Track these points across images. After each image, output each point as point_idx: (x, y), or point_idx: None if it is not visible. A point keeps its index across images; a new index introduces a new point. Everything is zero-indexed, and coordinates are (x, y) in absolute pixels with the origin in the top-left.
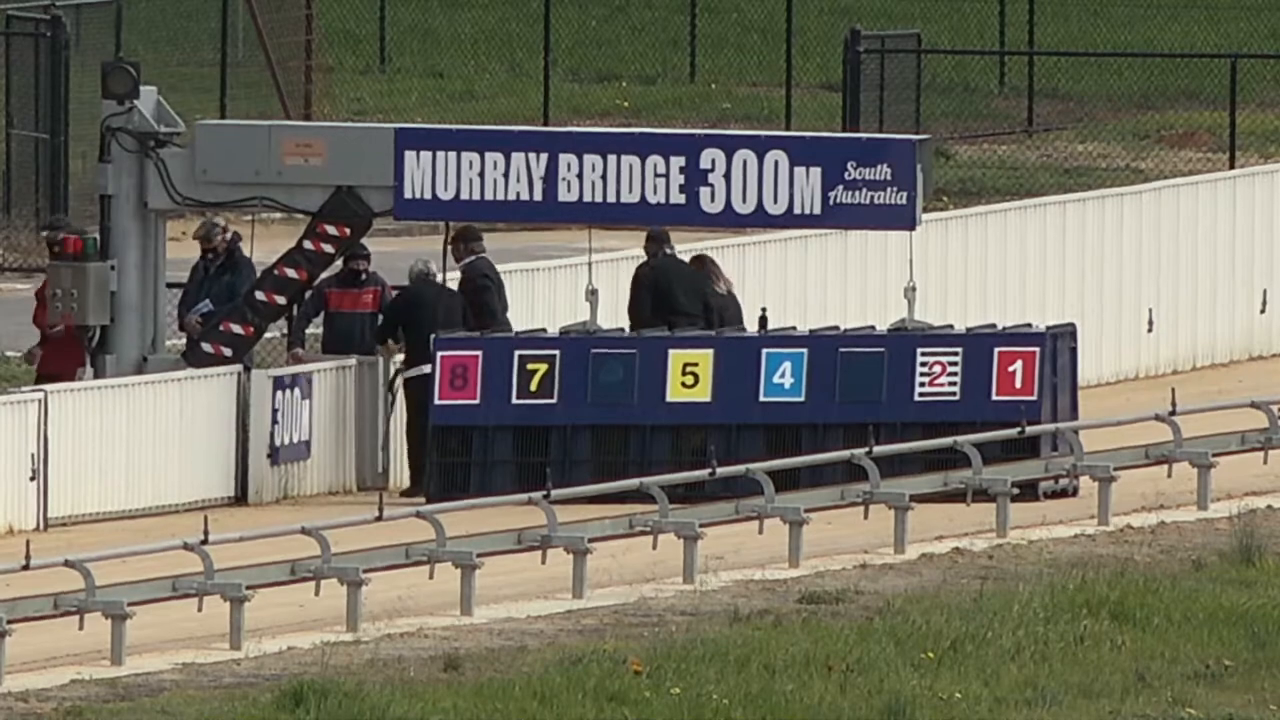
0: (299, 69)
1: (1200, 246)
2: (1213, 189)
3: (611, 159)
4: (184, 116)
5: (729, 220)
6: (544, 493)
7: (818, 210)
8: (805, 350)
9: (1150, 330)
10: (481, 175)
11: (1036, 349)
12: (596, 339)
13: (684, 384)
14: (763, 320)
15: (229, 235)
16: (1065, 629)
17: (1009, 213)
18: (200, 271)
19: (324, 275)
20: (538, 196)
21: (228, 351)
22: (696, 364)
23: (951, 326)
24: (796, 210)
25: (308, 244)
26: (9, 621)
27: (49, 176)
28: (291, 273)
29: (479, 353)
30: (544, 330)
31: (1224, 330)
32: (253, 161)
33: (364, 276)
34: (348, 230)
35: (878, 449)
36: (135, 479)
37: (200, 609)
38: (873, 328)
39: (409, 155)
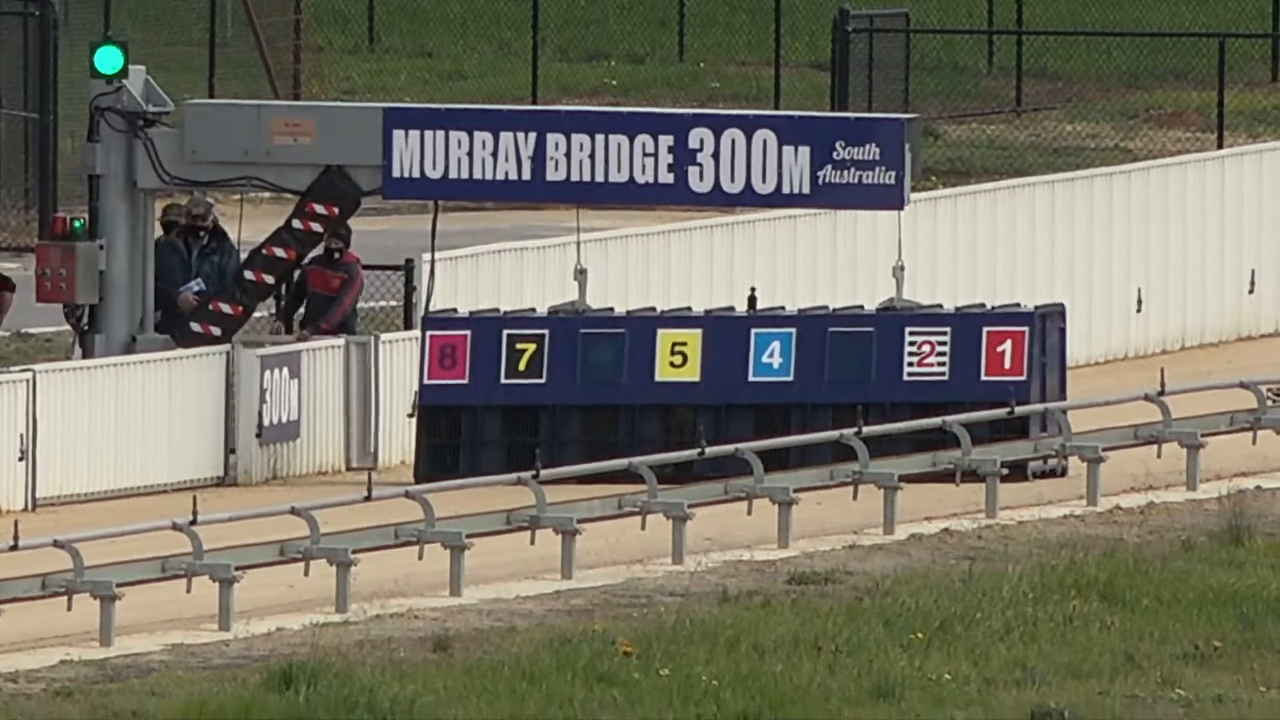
0: (288, 49)
1: (1189, 226)
2: (1201, 169)
3: (600, 138)
4: (173, 96)
5: (717, 200)
6: (533, 473)
7: (806, 190)
8: (794, 330)
9: (1139, 310)
10: (470, 154)
11: (1025, 329)
12: (585, 319)
13: (673, 364)
14: (751, 300)
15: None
16: (1054, 609)
17: (998, 192)
18: (182, 249)
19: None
20: (526, 176)
21: (216, 331)
22: (685, 344)
23: (940, 306)
24: (785, 190)
25: (296, 223)
26: None
27: (38, 156)
28: (280, 252)
29: (467, 332)
30: (533, 310)
31: (1213, 310)
32: (241, 141)
33: (337, 256)
34: (336, 209)
35: (867, 429)
36: (124, 459)
37: (189, 590)
38: (861, 307)
39: (398, 134)
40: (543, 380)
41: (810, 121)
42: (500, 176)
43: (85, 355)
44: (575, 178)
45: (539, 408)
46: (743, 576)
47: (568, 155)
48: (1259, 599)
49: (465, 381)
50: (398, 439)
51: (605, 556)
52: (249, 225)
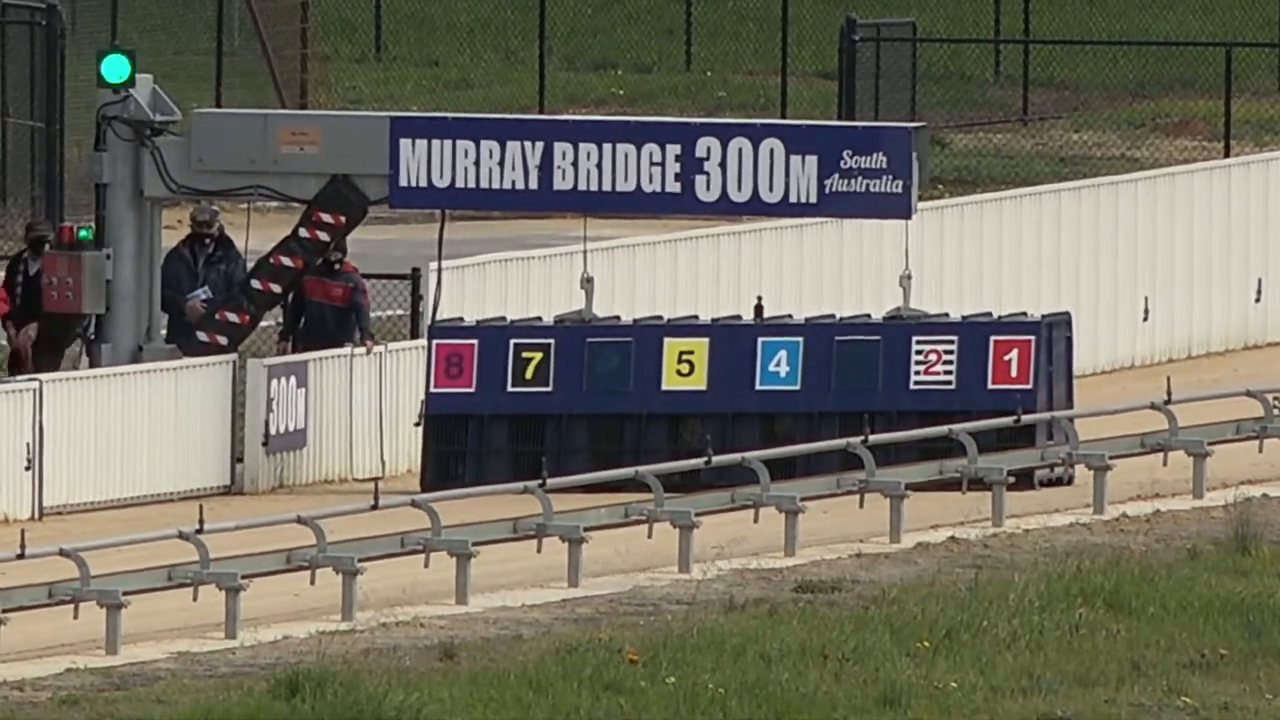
0: (294, 57)
1: (1195, 235)
2: (1208, 177)
3: (607, 147)
4: (180, 105)
5: (724, 209)
6: (539, 481)
7: (813, 199)
8: (801, 339)
9: (1146, 319)
10: (477, 164)
11: (1032, 338)
12: (592, 328)
13: (679, 372)
14: (758, 309)
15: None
16: (1061, 618)
17: (1004, 201)
18: (188, 257)
19: None
20: (533, 185)
21: (223, 340)
22: (692, 352)
23: (947, 315)
24: (792, 199)
25: (303, 232)
26: (4, 611)
27: (44, 165)
28: (287, 261)
29: (474, 341)
30: (539, 319)
31: (1219, 319)
32: (248, 150)
33: (336, 266)
34: (343, 218)
35: (873, 438)
36: (130, 468)
37: (195, 598)
38: (868, 316)
39: (404, 144)
40: (549, 389)
41: (817, 131)
42: (507, 185)
43: (92, 364)
44: (582, 187)
45: (545, 416)
46: (749, 585)
47: (575, 164)
48: (1265, 607)
49: (472, 390)
50: (404, 448)
51: (612, 565)
52: (257, 234)
